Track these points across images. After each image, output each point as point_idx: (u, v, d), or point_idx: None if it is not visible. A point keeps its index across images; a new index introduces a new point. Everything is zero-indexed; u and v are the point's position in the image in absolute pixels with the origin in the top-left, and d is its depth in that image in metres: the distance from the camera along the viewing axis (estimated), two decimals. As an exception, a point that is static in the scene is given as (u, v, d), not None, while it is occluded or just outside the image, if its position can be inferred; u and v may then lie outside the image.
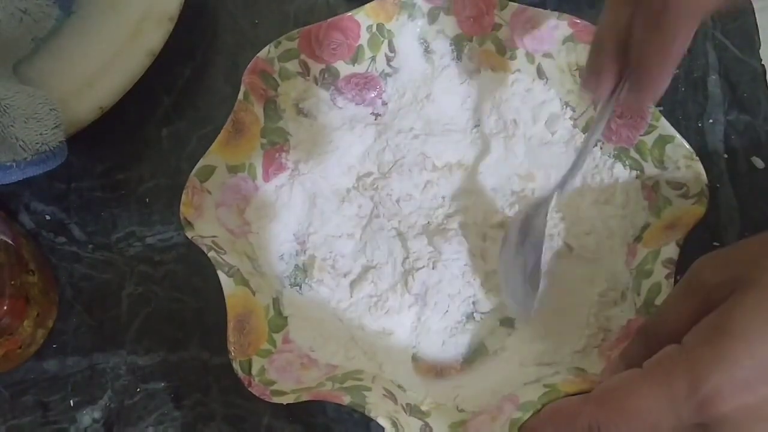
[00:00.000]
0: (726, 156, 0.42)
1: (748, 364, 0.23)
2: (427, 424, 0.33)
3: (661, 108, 0.42)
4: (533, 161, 0.41)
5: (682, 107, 0.43)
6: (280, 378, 0.34)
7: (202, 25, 0.46)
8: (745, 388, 0.23)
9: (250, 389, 0.33)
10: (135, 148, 0.43)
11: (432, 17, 0.42)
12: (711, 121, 0.43)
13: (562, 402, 0.29)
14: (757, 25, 0.45)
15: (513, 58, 0.42)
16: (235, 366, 0.34)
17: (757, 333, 0.23)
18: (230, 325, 0.34)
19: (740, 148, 0.42)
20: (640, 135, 0.38)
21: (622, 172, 0.39)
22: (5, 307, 0.35)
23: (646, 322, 0.30)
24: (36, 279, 0.38)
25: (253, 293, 0.36)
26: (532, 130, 0.41)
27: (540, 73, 0.41)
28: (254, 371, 0.34)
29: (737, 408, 0.23)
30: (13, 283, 0.36)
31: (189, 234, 0.35)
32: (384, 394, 0.34)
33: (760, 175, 0.42)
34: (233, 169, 0.39)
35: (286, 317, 0.37)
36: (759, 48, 0.44)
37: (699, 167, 0.37)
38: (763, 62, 0.44)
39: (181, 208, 0.36)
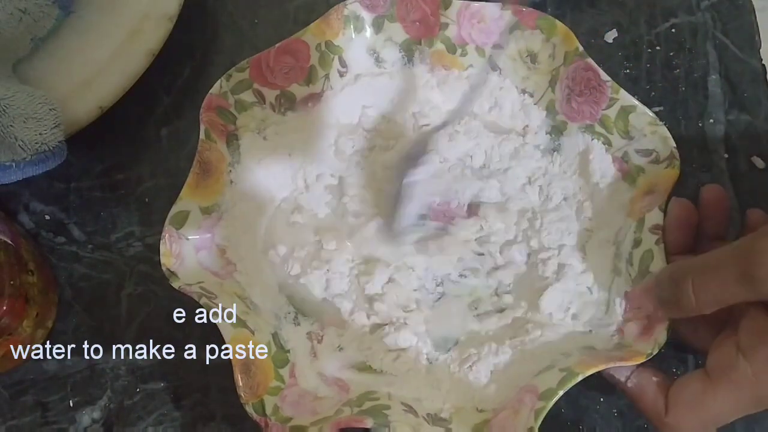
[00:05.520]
0: (726, 156, 0.42)
1: None
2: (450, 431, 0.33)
3: (662, 107, 0.42)
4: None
5: (683, 107, 0.43)
6: (296, 413, 0.34)
7: (202, 25, 0.46)
8: None
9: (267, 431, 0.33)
10: (134, 147, 0.43)
11: (377, 26, 0.42)
12: (711, 120, 0.43)
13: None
14: (757, 24, 0.44)
15: (464, 54, 0.42)
16: (249, 410, 0.33)
17: None
18: (236, 369, 0.33)
19: (740, 147, 0.42)
20: (602, 109, 0.39)
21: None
22: (5, 307, 0.35)
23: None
24: (35, 279, 0.38)
25: (252, 332, 0.35)
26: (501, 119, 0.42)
27: (492, 65, 0.42)
28: (268, 411, 0.34)
29: None
30: (12, 283, 0.36)
31: (175, 284, 0.35)
32: (404, 410, 0.34)
33: (760, 175, 0.41)
34: (207, 211, 0.38)
35: (289, 351, 0.37)
36: (759, 48, 0.44)
37: (664, 131, 0.37)
38: (763, 62, 0.44)
39: (162, 259, 0.35)
